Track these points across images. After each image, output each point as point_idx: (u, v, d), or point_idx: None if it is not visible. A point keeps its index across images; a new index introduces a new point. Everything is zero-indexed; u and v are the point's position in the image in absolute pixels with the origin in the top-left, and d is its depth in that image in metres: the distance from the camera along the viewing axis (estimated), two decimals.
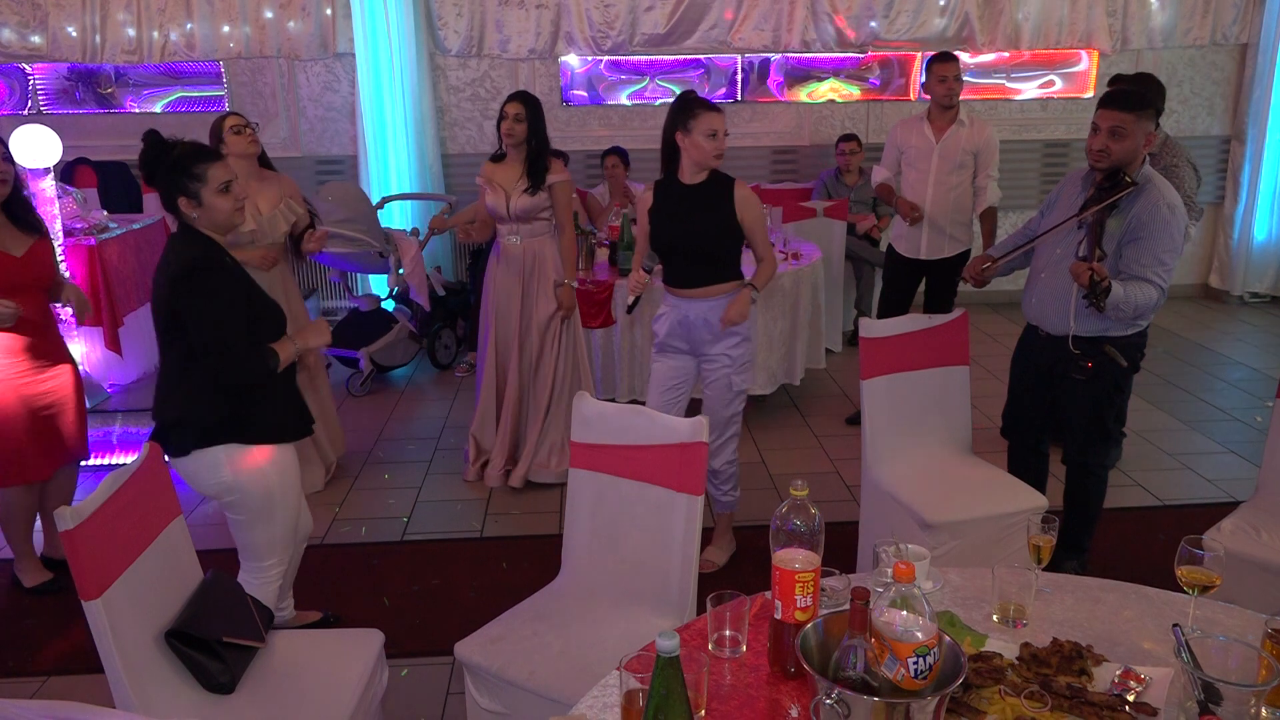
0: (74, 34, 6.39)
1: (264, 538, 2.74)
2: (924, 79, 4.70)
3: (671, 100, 3.37)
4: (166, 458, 2.54)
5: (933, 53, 5.26)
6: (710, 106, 3.23)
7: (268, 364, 2.60)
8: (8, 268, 3.21)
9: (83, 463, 3.70)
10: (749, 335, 3.43)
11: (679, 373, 3.45)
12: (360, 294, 5.98)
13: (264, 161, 4.06)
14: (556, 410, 4.28)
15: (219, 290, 2.53)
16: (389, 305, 5.98)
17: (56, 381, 3.42)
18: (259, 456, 2.65)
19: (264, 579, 2.80)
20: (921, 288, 4.91)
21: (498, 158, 4.19)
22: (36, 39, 6.41)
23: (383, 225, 5.67)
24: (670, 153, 3.30)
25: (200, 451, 2.60)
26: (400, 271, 5.61)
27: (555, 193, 4.09)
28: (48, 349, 3.40)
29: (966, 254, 4.74)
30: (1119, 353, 3.10)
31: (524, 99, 4.06)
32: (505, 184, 4.11)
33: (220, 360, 2.52)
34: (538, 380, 4.29)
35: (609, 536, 2.51)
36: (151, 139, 2.62)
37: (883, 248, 5.21)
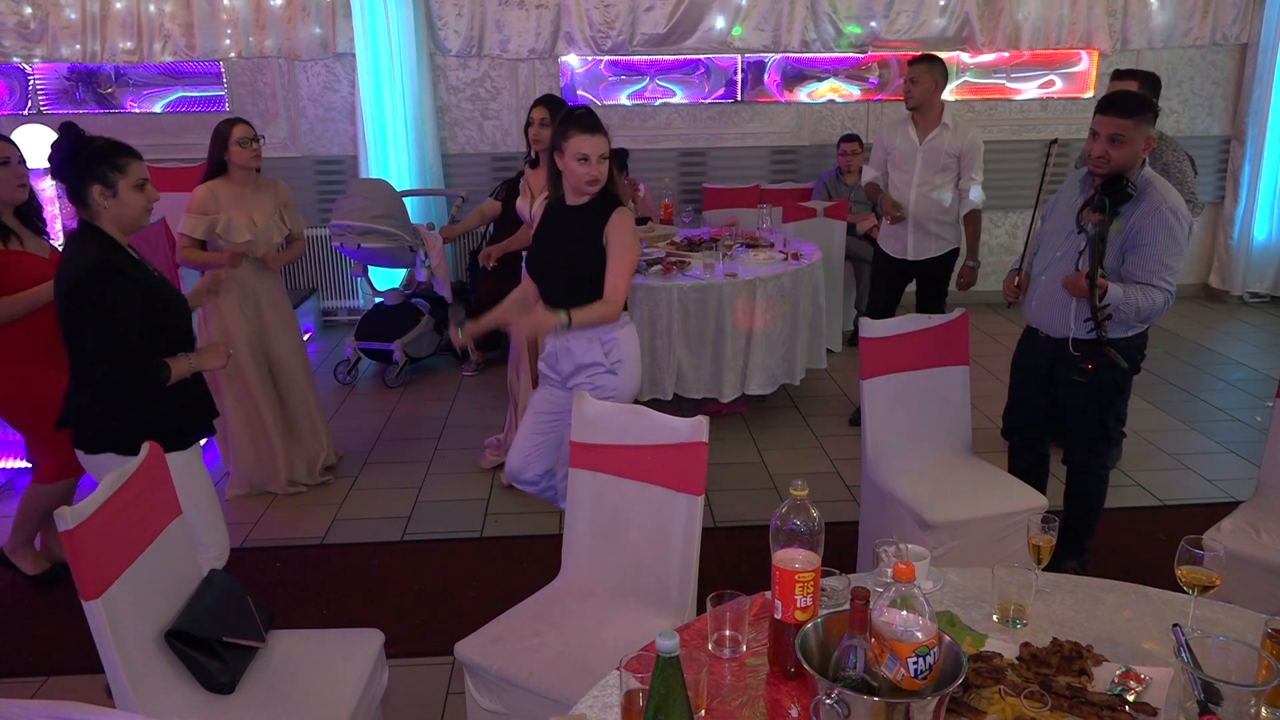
0: (74, 34, 6.39)
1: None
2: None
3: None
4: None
5: (934, 52, 5.26)
6: (585, 128, 2.94)
7: (158, 376, 2.59)
8: (41, 269, 3.27)
9: None
10: (613, 369, 3.11)
11: (550, 401, 3.23)
12: (379, 290, 6.07)
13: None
14: None
15: (112, 301, 2.51)
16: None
17: None
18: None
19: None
20: (911, 288, 4.92)
21: (534, 163, 4.20)
22: (36, 39, 6.41)
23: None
24: (557, 173, 3.10)
25: (93, 455, 2.62)
26: (427, 264, 5.71)
27: None
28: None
29: (954, 254, 4.76)
30: (1119, 354, 3.10)
31: (549, 103, 4.09)
32: (535, 188, 4.14)
33: (110, 370, 2.52)
34: None
35: (609, 536, 2.51)
36: (71, 130, 2.59)
37: None
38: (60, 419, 2.70)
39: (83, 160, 2.54)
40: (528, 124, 4.11)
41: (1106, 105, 3.01)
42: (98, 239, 2.58)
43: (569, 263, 3.06)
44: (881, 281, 4.93)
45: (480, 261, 4.60)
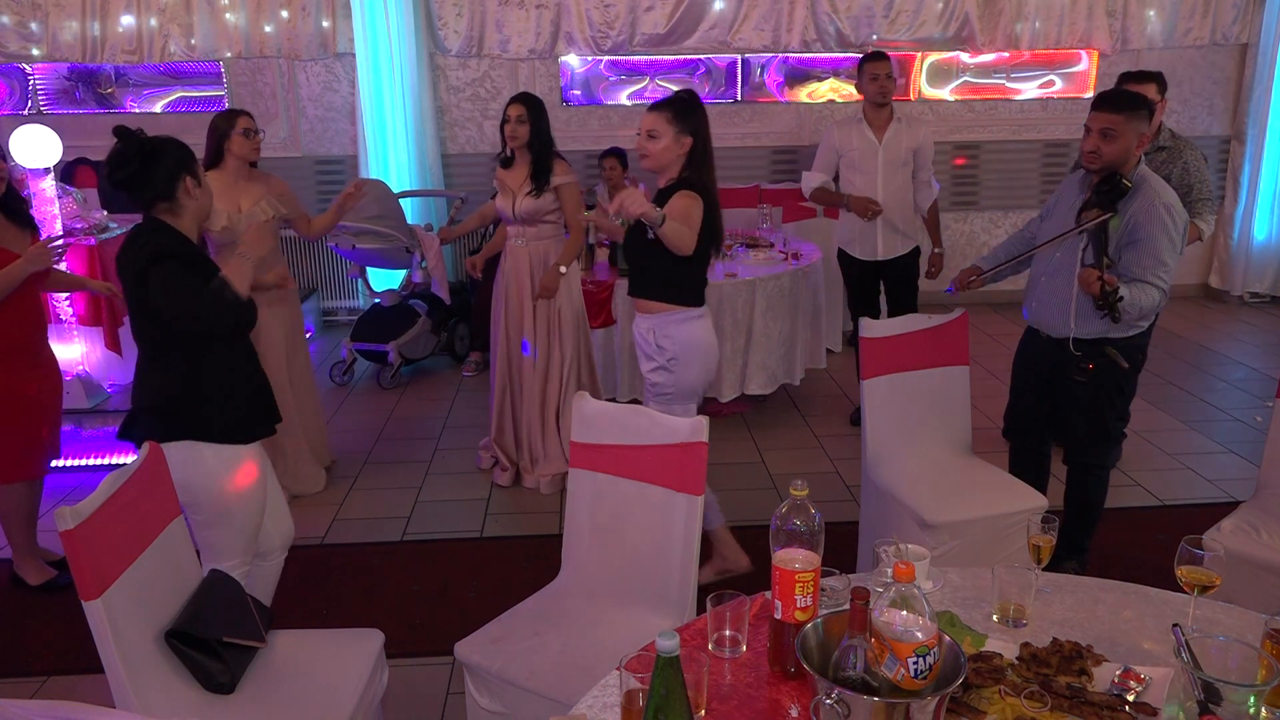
0: (74, 34, 6.39)
1: (221, 539, 2.66)
2: (857, 79, 4.72)
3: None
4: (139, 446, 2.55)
5: (934, 53, 5.27)
6: (649, 107, 3.08)
7: (227, 296, 2.54)
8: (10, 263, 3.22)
9: (80, 463, 3.70)
10: (667, 365, 3.11)
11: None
12: (376, 291, 6.06)
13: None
14: (567, 413, 4.28)
15: (178, 277, 2.51)
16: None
17: (53, 379, 3.43)
18: (214, 457, 2.59)
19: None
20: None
21: (506, 162, 4.18)
22: (36, 39, 6.41)
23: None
24: None
25: (165, 445, 2.56)
26: (424, 265, 5.69)
27: (562, 194, 4.06)
28: (43, 346, 3.43)
29: (916, 251, 4.79)
30: (1119, 354, 3.10)
31: (525, 100, 4.05)
32: (513, 186, 4.12)
33: (201, 323, 2.52)
34: (549, 384, 4.28)
35: (609, 536, 2.51)
36: (135, 134, 2.56)
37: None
38: (126, 424, 2.67)
39: (169, 157, 2.54)
40: (504, 120, 4.06)
41: (1099, 101, 3.02)
42: (161, 231, 2.57)
43: (632, 240, 3.14)
44: (858, 285, 4.90)
45: (467, 270, 4.56)
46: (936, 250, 4.81)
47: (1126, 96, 3.03)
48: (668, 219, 2.91)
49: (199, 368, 2.58)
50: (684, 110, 3.04)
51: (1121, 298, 2.88)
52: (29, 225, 3.38)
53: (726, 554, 3.44)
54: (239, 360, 2.68)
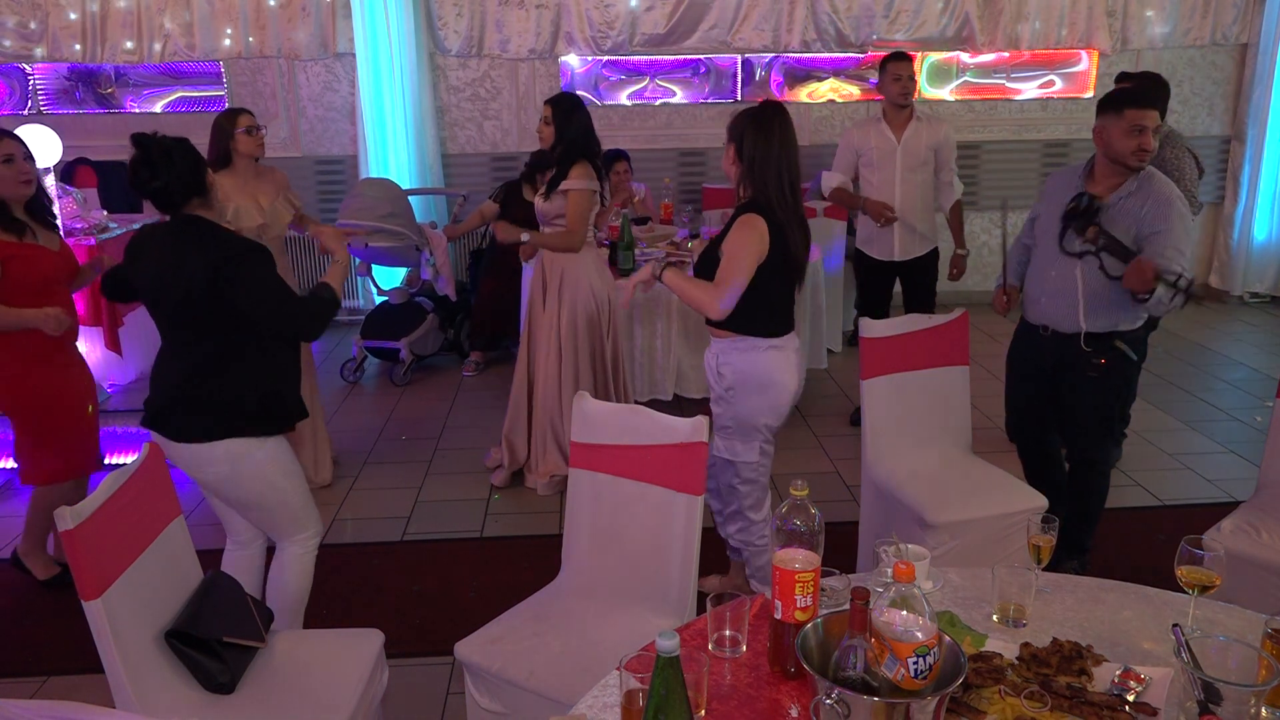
0: (74, 34, 6.39)
1: (285, 518, 2.74)
2: (878, 79, 4.71)
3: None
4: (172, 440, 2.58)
5: (934, 52, 5.23)
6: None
7: (327, 298, 2.68)
8: (52, 262, 3.28)
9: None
10: (725, 395, 2.97)
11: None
12: (384, 289, 6.09)
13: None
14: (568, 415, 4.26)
15: (266, 270, 2.55)
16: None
17: (87, 380, 3.49)
18: (259, 449, 2.62)
19: (306, 549, 2.81)
20: (897, 288, 4.90)
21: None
22: (36, 39, 6.41)
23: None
24: None
25: (215, 443, 2.57)
26: (432, 262, 5.73)
27: (569, 199, 4.01)
28: (73, 348, 3.46)
29: (934, 252, 4.76)
30: (1129, 347, 3.11)
31: (554, 102, 4.02)
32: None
33: (294, 322, 2.60)
34: (564, 385, 4.27)
35: (609, 536, 2.51)
36: (150, 138, 2.53)
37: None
38: (155, 414, 2.62)
39: (189, 151, 2.56)
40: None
41: (1142, 97, 3.00)
42: (204, 224, 2.57)
43: (705, 261, 2.99)
44: (871, 287, 4.88)
45: (519, 256, 4.58)
46: (959, 251, 4.75)
47: (1154, 92, 3.07)
48: (668, 270, 2.91)
49: (255, 368, 2.60)
50: (737, 115, 2.99)
51: (1191, 281, 2.87)
52: (54, 226, 3.42)
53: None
54: (286, 355, 2.71)
